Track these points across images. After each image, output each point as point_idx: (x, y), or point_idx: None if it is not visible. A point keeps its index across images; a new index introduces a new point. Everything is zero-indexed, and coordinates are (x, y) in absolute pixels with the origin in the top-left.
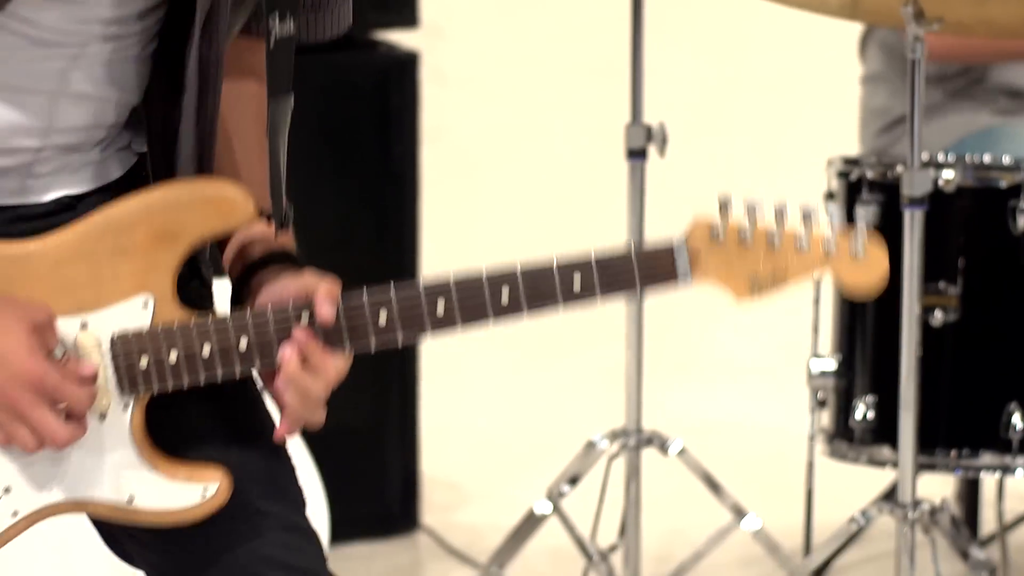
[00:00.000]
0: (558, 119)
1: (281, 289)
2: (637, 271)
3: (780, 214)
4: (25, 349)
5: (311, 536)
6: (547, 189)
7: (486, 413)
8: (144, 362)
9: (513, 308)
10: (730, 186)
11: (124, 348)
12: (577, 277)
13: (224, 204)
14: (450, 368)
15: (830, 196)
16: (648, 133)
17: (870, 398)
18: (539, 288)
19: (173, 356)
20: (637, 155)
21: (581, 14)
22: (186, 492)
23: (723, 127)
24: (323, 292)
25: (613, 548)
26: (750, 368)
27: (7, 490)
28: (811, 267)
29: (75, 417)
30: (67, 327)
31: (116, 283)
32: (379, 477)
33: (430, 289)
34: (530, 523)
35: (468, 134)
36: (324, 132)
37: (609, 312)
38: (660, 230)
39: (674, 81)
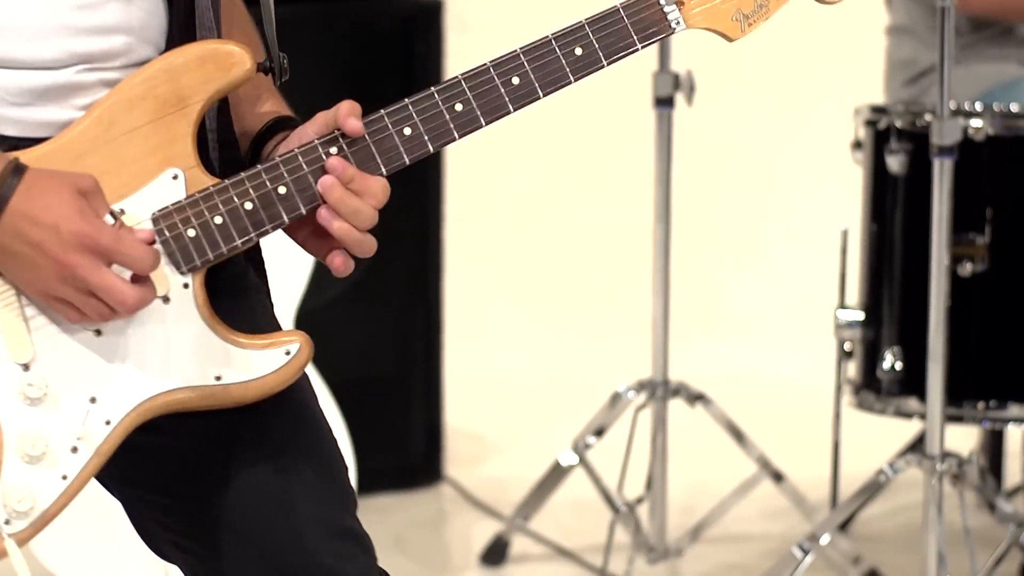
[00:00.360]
0: None
1: (300, 133)
2: (628, 23)
3: None
4: (75, 212)
5: (363, 541)
6: (574, 137)
7: (510, 365)
8: (192, 232)
9: (528, 91)
10: (757, 134)
11: (167, 224)
12: (577, 46)
13: (222, 59)
14: (474, 319)
15: (857, 145)
16: (676, 81)
17: (897, 349)
18: (546, 65)
19: (218, 219)
20: (664, 103)
21: None
22: (269, 357)
23: (750, 75)
24: (345, 110)
25: (640, 500)
26: (776, 319)
27: (93, 400)
28: None
29: (140, 281)
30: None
31: (140, 164)
32: (403, 429)
33: (444, 93)
34: (555, 475)
35: None
36: (348, 80)
37: (634, 262)
38: (687, 178)
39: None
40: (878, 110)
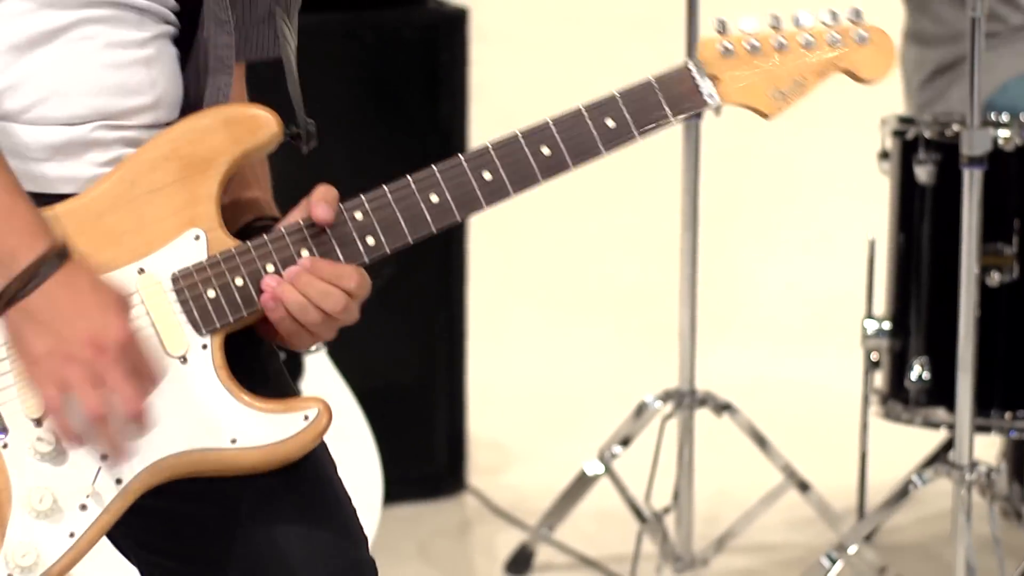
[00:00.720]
0: (608, 75)
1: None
2: (661, 96)
3: (777, 20)
4: (115, 310)
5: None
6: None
7: (534, 373)
8: (212, 293)
9: (558, 162)
10: (783, 143)
11: (188, 284)
12: (608, 117)
13: (248, 122)
14: (498, 327)
15: (884, 155)
16: None
17: (925, 359)
18: (576, 136)
19: (239, 280)
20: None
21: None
22: (287, 422)
23: None
24: (317, 195)
25: (667, 510)
26: (803, 328)
27: (105, 458)
28: (824, 62)
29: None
30: (125, 276)
31: (162, 223)
32: (426, 438)
33: (473, 161)
34: (580, 484)
35: (516, 91)
36: (373, 89)
37: (659, 270)
38: (714, 187)
39: None
40: (906, 120)
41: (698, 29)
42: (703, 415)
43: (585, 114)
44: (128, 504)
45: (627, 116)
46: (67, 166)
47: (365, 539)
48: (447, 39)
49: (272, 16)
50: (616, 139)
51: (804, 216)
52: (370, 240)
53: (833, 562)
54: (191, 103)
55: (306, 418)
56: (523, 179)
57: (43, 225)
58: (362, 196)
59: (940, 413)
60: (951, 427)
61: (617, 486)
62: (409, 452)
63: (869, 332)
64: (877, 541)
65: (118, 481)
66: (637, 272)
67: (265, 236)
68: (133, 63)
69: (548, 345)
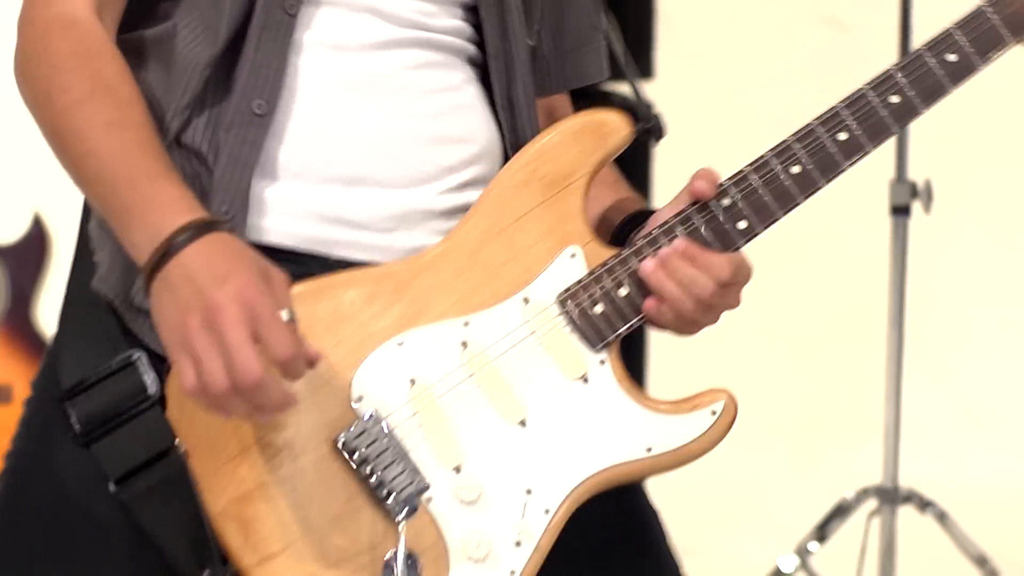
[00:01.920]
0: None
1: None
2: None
3: None
4: (250, 277)
5: None
6: (808, 244)
7: (725, 463)
8: (599, 308)
9: (909, 109)
10: (998, 245)
11: (575, 304)
12: (949, 53)
13: (598, 129)
14: None
15: None
16: (913, 189)
17: None
18: (922, 78)
19: (623, 290)
20: (901, 211)
21: (835, 64)
22: (696, 420)
23: (989, 185)
24: (700, 172)
25: None
26: (1019, 425)
27: (528, 491)
28: None
29: (284, 368)
30: (512, 307)
31: (536, 248)
32: None
33: (827, 124)
34: None
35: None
36: None
37: (863, 366)
38: (922, 289)
39: (941, 137)
40: None
41: (908, 133)
42: (908, 513)
43: (927, 54)
44: (558, 532)
45: (967, 47)
46: (415, 236)
47: None
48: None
49: (586, 43)
50: (962, 73)
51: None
52: (741, 224)
53: None
54: (505, 145)
55: (713, 413)
56: (876, 132)
57: (185, 202)
58: (725, 181)
59: None
60: None
61: None
62: None
63: None
64: None
65: (546, 511)
66: (840, 367)
67: (639, 240)
68: (453, 110)
69: (746, 438)
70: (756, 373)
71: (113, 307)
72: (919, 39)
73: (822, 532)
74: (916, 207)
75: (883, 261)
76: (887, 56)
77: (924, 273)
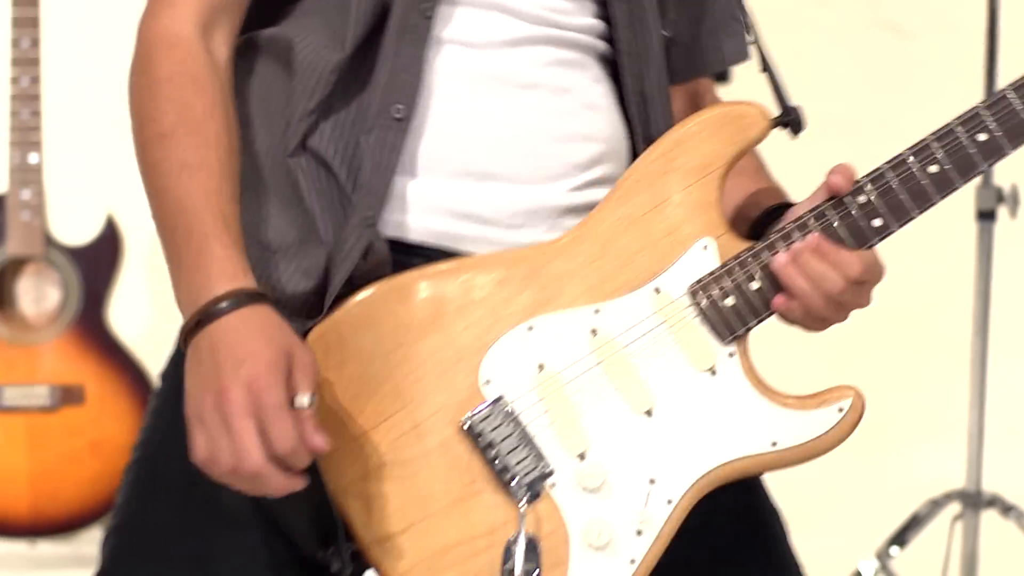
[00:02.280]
0: None
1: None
2: None
3: None
4: (266, 362)
5: None
6: (894, 248)
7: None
8: (730, 300)
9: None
10: None
11: (706, 295)
12: None
13: (738, 120)
14: None
15: None
16: (999, 194)
17: None
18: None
19: (755, 284)
20: (987, 216)
21: (893, 69)
22: (822, 417)
23: None
24: (837, 167)
25: None
26: None
27: (652, 481)
28: None
29: (282, 463)
30: (643, 297)
31: (670, 238)
32: None
33: (966, 124)
34: None
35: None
36: None
37: (947, 372)
38: (1007, 293)
39: None
40: None
41: None
42: (991, 518)
43: None
44: (679, 523)
45: None
46: (539, 232)
47: None
48: None
49: (723, 25)
50: None
51: None
52: (876, 222)
53: None
54: (635, 140)
55: (840, 410)
56: (1018, 134)
57: (230, 267)
58: (861, 178)
59: None
60: None
61: None
62: None
63: None
64: None
65: (668, 502)
66: (925, 372)
67: (773, 234)
68: (583, 108)
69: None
70: (839, 374)
71: None
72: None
73: (903, 536)
74: (1002, 212)
75: (968, 265)
76: (945, 62)
77: (1009, 277)
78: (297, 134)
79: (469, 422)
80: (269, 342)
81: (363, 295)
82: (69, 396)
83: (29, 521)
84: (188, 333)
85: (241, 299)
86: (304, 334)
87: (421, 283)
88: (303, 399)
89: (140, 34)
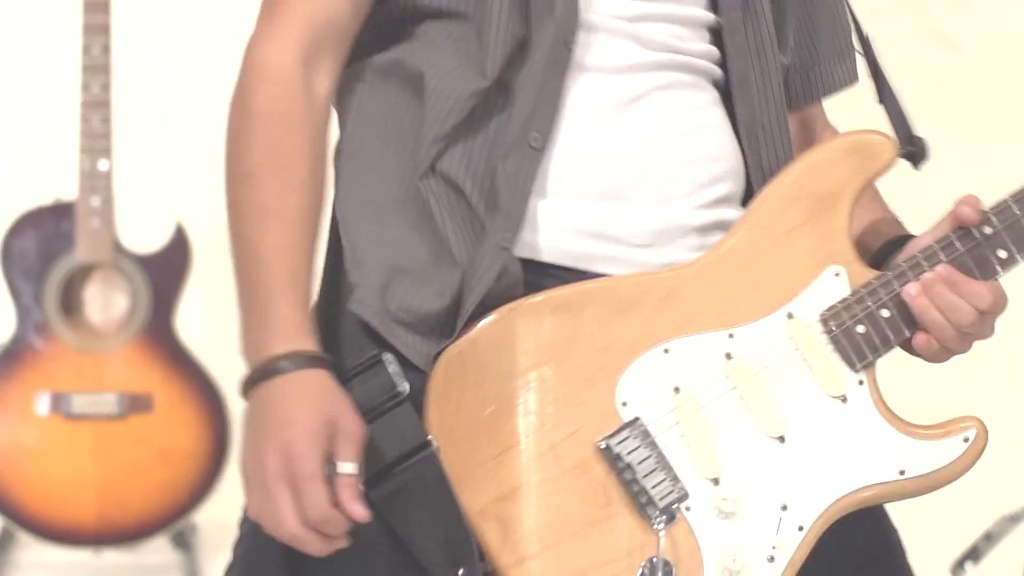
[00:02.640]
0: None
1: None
2: None
3: None
4: (307, 429)
5: None
6: None
7: None
8: (861, 328)
9: None
10: None
11: (837, 323)
12: None
13: (866, 149)
14: None
15: None
16: None
17: None
18: None
19: (885, 312)
20: None
21: (942, 81)
22: (948, 447)
23: None
24: (963, 199)
25: None
26: None
27: (784, 507)
28: None
29: (317, 527)
30: (776, 322)
31: (800, 264)
32: None
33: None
34: None
35: None
36: None
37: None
38: None
39: None
40: None
41: None
42: None
43: None
44: (809, 549)
45: None
46: (667, 252)
47: None
48: None
49: (835, 49)
50: None
51: None
52: (1002, 253)
53: None
54: (747, 165)
55: (966, 440)
56: None
57: (295, 327)
58: (987, 210)
59: None
60: None
61: None
62: None
63: None
64: None
65: (800, 528)
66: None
67: (902, 262)
68: (702, 129)
69: None
70: (922, 386)
71: (369, 326)
72: None
73: (977, 551)
74: None
75: None
76: (995, 74)
77: None
78: (428, 157)
79: (606, 443)
80: (313, 408)
81: (499, 315)
82: (137, 404)
83: (95, 530)
84: (246, 388)
85: (298, 362)
86: (437, 354)
87: (557, 304)
88: (345, 467)
89: (244, 60)
